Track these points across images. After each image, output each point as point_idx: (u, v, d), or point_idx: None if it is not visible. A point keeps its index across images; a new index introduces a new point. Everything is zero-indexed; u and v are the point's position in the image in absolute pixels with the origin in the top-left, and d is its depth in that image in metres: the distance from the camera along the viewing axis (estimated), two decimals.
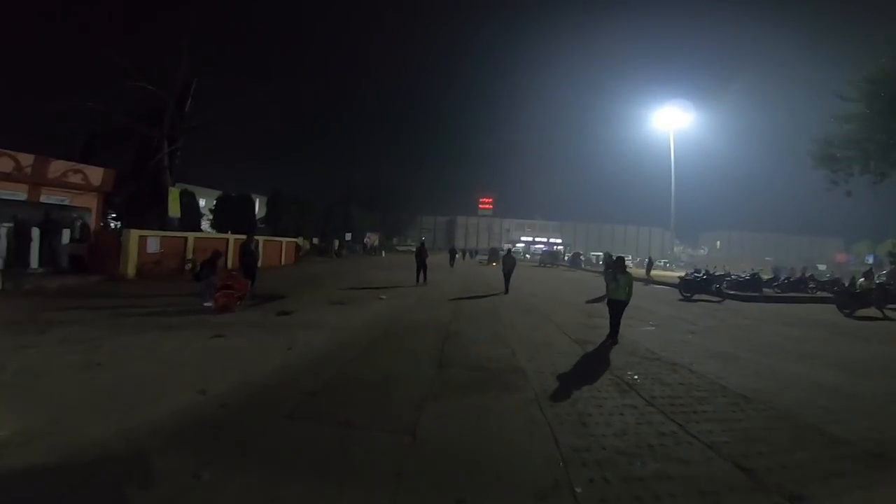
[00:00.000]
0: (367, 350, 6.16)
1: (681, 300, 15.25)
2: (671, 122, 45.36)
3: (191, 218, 28.93)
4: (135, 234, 13.36)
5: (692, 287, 16.22)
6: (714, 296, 15.96)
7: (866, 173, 17.41)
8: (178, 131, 17.15)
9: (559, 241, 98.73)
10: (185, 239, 14.93)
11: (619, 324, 7.35)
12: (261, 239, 19.97)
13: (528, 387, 4.76)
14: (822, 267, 47.67)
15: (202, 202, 40.45)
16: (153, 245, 13.72)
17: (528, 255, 68.49)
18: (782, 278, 20.80)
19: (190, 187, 33.39)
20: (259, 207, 44.62)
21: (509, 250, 17.09)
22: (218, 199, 33.25)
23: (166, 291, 10.83)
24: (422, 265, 15.94)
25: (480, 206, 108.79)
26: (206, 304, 8.81)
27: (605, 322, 7.59)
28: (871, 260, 49.25)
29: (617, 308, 7.29)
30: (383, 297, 11.78)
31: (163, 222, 16.38)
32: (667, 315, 11.14)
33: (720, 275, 18.56)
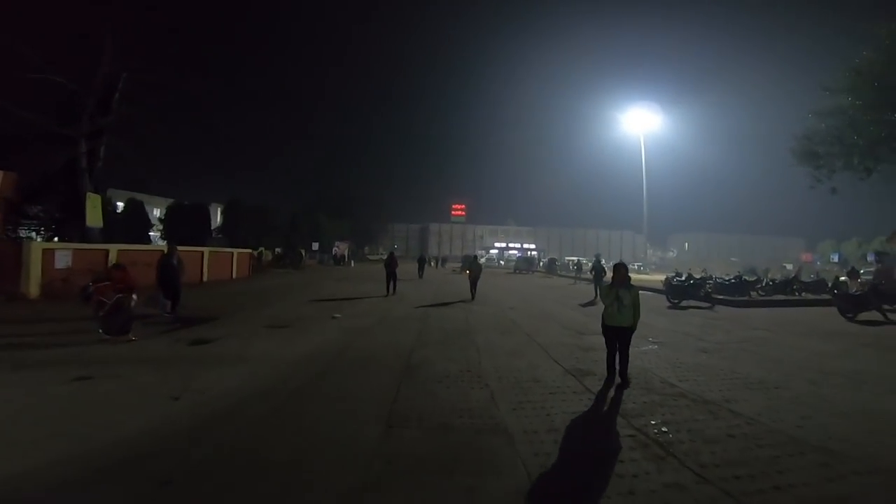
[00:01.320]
0: (293, 399, 4.43)
1: (669, 307, 14.09)
2: (640, 126, 45.20)
3: (139, 227, 26.32)
4: (37, 246, 11.12)
5: (679, 293, 15.12)
6: (703, 301, 14.95)
7: (849, 169, 16.81)
8: (99, 130, 14.73)
9: (533, 246, 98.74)
10: (106, 252, 12.65)
11: (628, 359, 5.18)
12: (206, 250, 17.82)
13: (516, 461, 3.13)
14: (788, 266, 48.37)
15: (156, 212, 37.49)
16: (62, 259, 11.46)
17: (502, 262, 67.39)
18: (764, 280, 20.04)
19: (140, 196, 30.72)
20: (219, 216, 41.78)
21: (475, 257, 17.26)
22: (168, 209, 30.43)
23: (67, 315, 8.74)
24: (392, 275, 15.35)
25: (453, 213, 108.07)
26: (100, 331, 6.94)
27: (601, 341, 5.52)
28: (836, 259, 50.48)
29: (620, 338, 5.11)
30: (338, 315, 10.00)
31: (82, 233, 14.05)
32: (664, 328, 9.76)
33: (704, 278, 17.59)
